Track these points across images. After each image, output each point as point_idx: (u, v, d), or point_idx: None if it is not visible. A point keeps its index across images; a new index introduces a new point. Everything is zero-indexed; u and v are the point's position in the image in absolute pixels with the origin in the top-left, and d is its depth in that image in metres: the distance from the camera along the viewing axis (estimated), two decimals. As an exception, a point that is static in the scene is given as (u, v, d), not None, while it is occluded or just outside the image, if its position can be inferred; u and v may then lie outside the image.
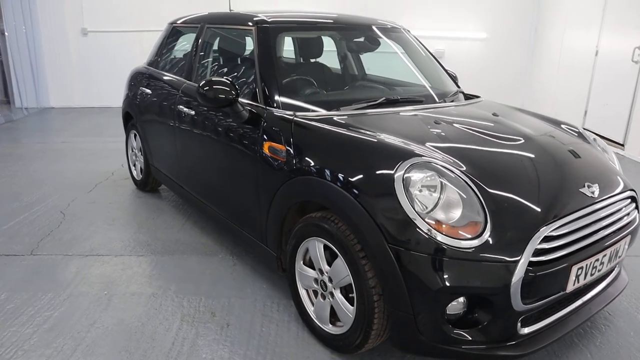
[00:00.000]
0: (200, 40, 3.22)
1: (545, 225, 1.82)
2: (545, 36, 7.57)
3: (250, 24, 2.80)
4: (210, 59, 3.20)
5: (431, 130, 2.26)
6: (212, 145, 2.81)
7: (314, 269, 2.21)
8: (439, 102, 2.75)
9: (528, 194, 1.91)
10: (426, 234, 1.75)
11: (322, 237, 2.09)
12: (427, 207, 1.80)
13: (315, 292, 2.26)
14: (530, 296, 1.79)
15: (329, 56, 3.28)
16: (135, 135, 4.01)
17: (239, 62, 3.06)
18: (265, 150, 2.37)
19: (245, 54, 3.01)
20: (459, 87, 3.17)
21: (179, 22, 3.75)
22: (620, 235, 2.09)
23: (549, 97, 7.30)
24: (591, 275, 1.97)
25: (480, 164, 1.98)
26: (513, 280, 1.73)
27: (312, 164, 2.11)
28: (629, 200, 2.23)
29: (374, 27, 3.15)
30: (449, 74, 3.28)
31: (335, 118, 2.33)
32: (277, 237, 2.40)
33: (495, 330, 1.83)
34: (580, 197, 1.99)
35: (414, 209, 1.79)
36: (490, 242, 1.75)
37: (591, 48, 6.23)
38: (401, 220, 1.79)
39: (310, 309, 2.28)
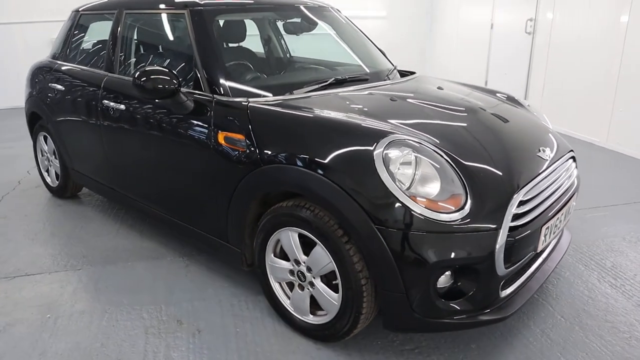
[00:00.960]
0: (119, 28, 2.93)
1: (518, 192, 1.90)
2: (441, 12, 7.93)
3: (179, 7, 2.59)
4: (134, 48, 2.93)
5: (392, 107, 2.25)
6: (151, 142, 2.59)
7: (287, 260, 2.13)
8: (384, 80, 2.75)
9: (497, 163, 1.97)
10: (413, 211, 1.75)
11: (297, 227, 2.01)
12: (408, 185, 1.80)
13: (290, 284, 2.19)
14: (511, 260, 1.87)
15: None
16: (45, 138, 3.58)
17: (169, 49, 2.83)
18: (221, 141, 2.22)
19: (175, 40, 2.78)
20: (392, 63, 3.20)
21: (86, 9, 3.38)
22: (570, 192, 2.25)
23: (450, 70, 7.69)
24: (553, 233, 2.10)
25: (449, 138, 2.01)
26: (497, 246, 1.79)
27: (280, 151, 2.01)
28: (571, 159, 2.40)
29: (302, 8, 3.05)
30: (380, 50, 3.30)
31: (293, 102, 2.24)
32: (241, 232, 2.28)
33: (481, 296, 1.88)
34: (539, 161, 2.10)
35: (397, 187, 1.77)
36: (473, 212, 1.79)
37: (486, 22, 6.64)
38: (386, 200, 1.77)
39: (286, 302, 2.20)
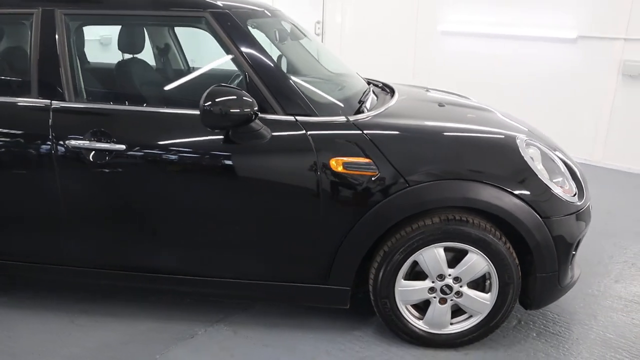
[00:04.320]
0: (58, 37, 2.01)
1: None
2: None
3: (194, 7, 2.03)
4: (88, 63, 2.09)
5: (463, 113, 2.40)
6: (196, 188, 1.99)
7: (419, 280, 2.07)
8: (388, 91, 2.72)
9: (558, 149, 2.38)
10: (563, 199, 2.03)
11: (445, 241, 1.99)
12: (550, 177, 2.05)
13: (419, 305, 2.12)
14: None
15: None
16: None
17: (167, 63, 2.15)
18: (337, 169, 1.93)
19: (168, 50, 2.14)
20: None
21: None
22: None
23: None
24: None
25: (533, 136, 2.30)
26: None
27: (429, 169, 1.94)
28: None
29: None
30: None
31: (396, 113, 2.16)
32: (352, 267, 2.05)
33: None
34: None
35: (550, 180, 2.02)
36: (579, 194, 2.16)
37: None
38: (545, 193, 2.00)
39: (417, 323, 2.12)
